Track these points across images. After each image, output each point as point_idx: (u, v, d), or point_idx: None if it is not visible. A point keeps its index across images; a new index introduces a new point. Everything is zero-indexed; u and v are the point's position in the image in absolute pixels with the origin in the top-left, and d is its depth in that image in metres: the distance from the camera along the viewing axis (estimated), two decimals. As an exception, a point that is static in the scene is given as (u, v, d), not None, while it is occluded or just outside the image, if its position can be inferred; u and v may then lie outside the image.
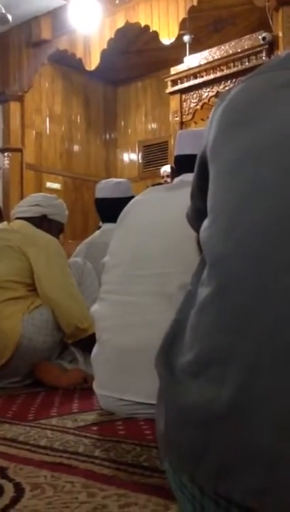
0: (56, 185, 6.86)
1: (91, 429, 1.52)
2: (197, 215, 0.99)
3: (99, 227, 3.14)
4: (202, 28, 5.82)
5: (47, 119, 6.98)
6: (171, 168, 2.44)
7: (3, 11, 5.13)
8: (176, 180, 1.89)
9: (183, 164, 1.89)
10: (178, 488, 0.75)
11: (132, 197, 2.05)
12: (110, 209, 2.72)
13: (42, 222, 2.57)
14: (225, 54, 4.82)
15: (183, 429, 0.71)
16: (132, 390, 1.60)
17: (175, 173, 1.97)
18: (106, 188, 2.87)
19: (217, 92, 4.93)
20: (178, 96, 5.26)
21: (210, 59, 4.93)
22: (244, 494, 0.63)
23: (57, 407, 1.87)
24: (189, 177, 1.72)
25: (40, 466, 1.18)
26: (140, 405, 1.58)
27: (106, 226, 2.85)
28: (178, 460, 0.73)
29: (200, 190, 0.94)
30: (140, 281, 1.65)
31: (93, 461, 1.21)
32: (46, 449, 1.31)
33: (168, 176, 5.17)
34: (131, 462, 1.20)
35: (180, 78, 5.21)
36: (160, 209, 1.74)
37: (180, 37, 5.33)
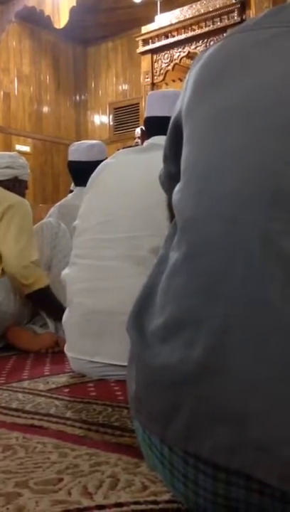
0: (26, 148, 6.73)
1: (62, 391, 1.54)
2: (169, 179, 0.98)
3: (71, 191, 3.10)
4: (173, -15, 5.69)
5: (16, 79, 6.80)
6: (141, 130, 2.40)
7: None
8: (146, 142, 1.87)
9: (153, 126, 1.86)
10: (148, 447, 0.77)
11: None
12: (82, 172, 2.66)
13: (14, 184, 2.52)
14: (197, 13, 4.73)
15: (154, 390, 0.72)
16: (103, 352, 1.62)
17: (145, 135, 1.95)
18: (78, 150, 2.81)
19: (189, 52, 4.85)
20: (149, 56, 5.17)
21: (182, 18, 4.84)
22: (212, 451, 0.64)
23: (28, 370, 1.88)
24: (159, 140, 1.70)
25: (11, 428, 1.19)
26: (111, 367, 1.60)
27: (79, 190, 2.80)
28: (148, 420, 0.74)
29: (172, 154, 0.92)
30: (109, 245, 1.65)
31: (64, 422, 1.23)
32: (18, 411, 1.32)
33: (139, 138, 5.11)
34: (102, 422, 1.22)
35: (151, 38, 5.11)
36: (129, 172, 1.73)
37: (150, -6, 5.22)
